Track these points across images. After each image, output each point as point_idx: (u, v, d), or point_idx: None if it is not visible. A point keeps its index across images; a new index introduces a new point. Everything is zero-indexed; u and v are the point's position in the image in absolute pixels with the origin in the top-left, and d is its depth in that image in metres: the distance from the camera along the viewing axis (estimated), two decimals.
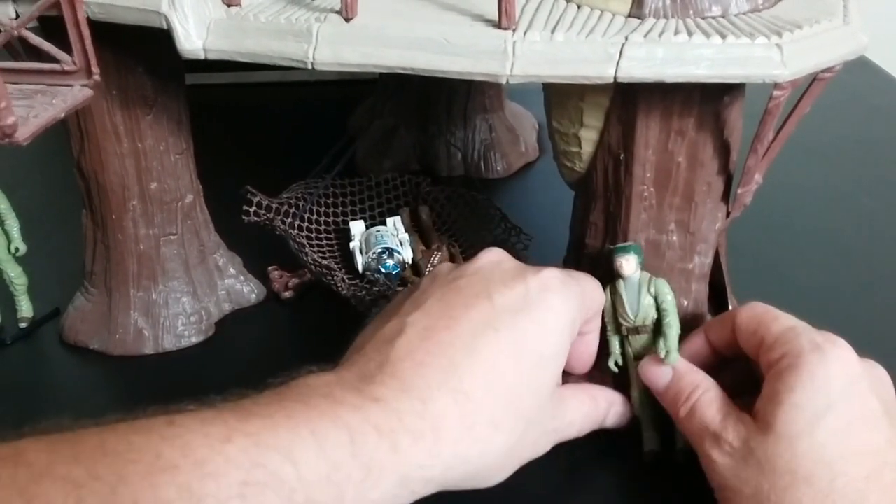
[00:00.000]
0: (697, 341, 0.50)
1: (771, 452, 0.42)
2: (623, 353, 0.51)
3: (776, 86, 0.43)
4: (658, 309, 0.48)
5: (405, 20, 0.44)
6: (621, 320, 0.49)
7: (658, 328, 0.49)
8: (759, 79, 0.42)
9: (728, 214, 0.51)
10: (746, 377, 0.47)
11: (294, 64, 0.45)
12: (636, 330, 0.49)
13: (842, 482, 0.40)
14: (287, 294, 0.64)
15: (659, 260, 0.50)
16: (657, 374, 0.48)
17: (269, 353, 0.60)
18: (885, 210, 0.75)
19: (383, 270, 0.64)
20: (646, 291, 0.48)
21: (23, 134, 0.40)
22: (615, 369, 0.51)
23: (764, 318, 0.46)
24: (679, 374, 0.47)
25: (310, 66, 0.45)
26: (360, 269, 0.65)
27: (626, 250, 0.48)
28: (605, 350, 0.51)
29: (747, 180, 0.49)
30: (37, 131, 0.41)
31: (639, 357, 0.50)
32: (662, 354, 0.48)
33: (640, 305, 0.49)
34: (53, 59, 0.45)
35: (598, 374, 0.51)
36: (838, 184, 0.80)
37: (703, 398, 0.46)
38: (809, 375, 0.42)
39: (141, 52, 0.52)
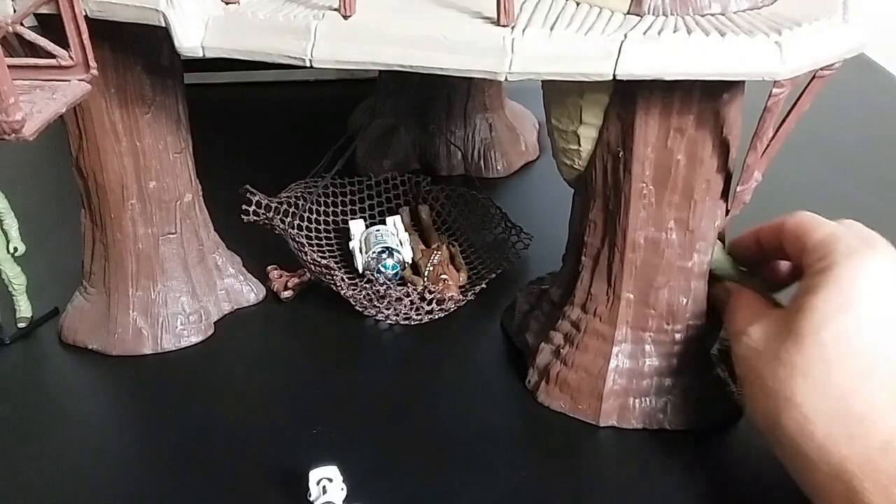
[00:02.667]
0: (747, 240, 0.52)
1: (780, 348, 0.44)
2: None
3: (775, 83, 0.43)
4: None
5: (404, 17, 0.44)
6: None
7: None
8: (759, 76, 0.42)
9: (727, 212, 0.51)
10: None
11: (292, 61, 0.45)
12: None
13: (836, 377, 0.42)
14: (286, 294, 0.64)
15: (658, 258, 0.50)
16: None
17: (268, 353, 0.60)
18: (884, 209, 0.75)
19: (383, 270, 0.64)
20: None
21: (29, 129, 0.41)
22: None
23: (808, 224, 0.48)
24: (731, 291, 0.51)
25: (308, 64, 0.45)
26: (360, 268, 0.65)
27: None
28: None
29: (747, 178, 0.49)
30: (42, 126, 0.42)
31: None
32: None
33: None
34: (50, 55, 0.45)
35: None
36: (838, 182, 0.80)
37: (738, 306, 0.49)
38: (835, 279, 0.43)
39: (139, 51, 0.52)
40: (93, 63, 0.46)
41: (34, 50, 0.45)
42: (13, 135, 0.40)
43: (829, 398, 0.42)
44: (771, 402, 0.44)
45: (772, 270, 0.52)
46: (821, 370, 0.42)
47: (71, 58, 0.45)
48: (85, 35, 0.44)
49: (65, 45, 0.45)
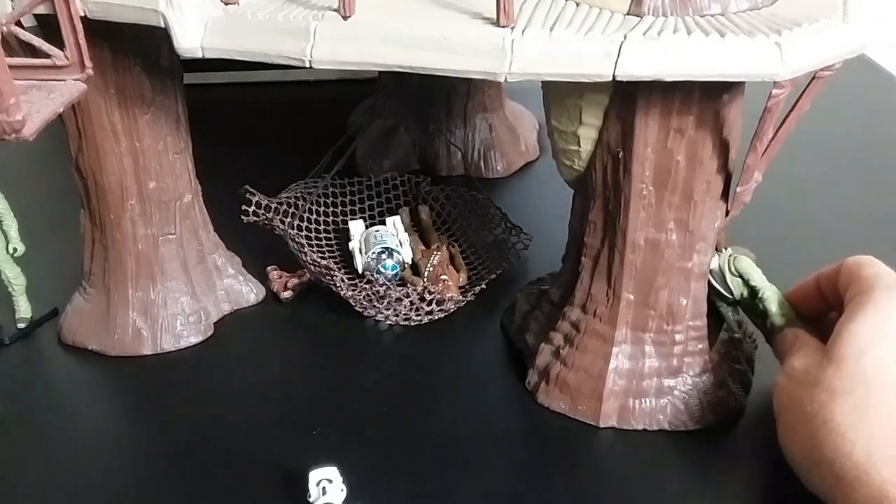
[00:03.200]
0: (808, 285, 0.53)
1: (821, 374, 0.45)
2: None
3: (775, 84, 0.43)
4: (748, 286, 0.53)
5: (403, 18, 0.44)
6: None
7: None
8: (759, 77, 0.42)
9: (727, 213, 0.50)
10: None
11: (292, 62, 0.45)
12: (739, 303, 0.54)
13: (876, 399, 0.43)
14: (286, 294, 0.64)
15: (658, 258, 0.50)
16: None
17: (268, 354, 0.60)
18: (884, 209, 0.75)
19: (383, 270, 0.64)
20: (729, 273, 0.53)
21: (29, 129, 0.41)
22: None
23: (863, 262, 0.50)
24: (786, 332, 0.52)
25: (307, 65, 0.45)
26: (360, 269, 0.65)
27: None
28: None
29: (747, 179, 0.49)
30: (41, 126, 0.42)
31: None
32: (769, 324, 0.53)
33: (730, 285, 0.54)
34: (45, 55, 0.45)
35: None
36: (839, 182, 0.80)
37: (791, 345, 0.50)
38: (874, 309, 0.45)
39: (139, 51, 0.52)
40: (88, 63, 0.46)
41: (33, 50, 0.45)
42: (14, 134, 0.41)
43: (869, 418, 0.43)
44: (808, 425, 0.45)
45: (830, 322, 0.51)
46: (861, 391, 0.43)
47: (66, 57, 0.45)
48: (80, 34, 0.44)
49: (61, 44, 0.45)
